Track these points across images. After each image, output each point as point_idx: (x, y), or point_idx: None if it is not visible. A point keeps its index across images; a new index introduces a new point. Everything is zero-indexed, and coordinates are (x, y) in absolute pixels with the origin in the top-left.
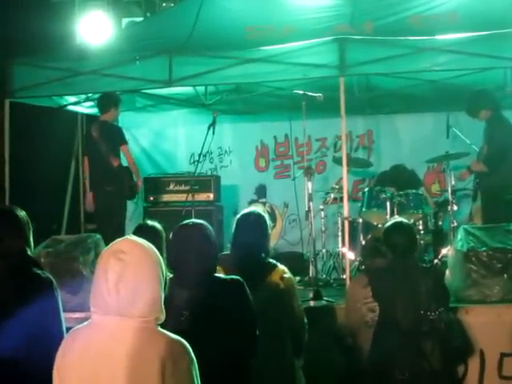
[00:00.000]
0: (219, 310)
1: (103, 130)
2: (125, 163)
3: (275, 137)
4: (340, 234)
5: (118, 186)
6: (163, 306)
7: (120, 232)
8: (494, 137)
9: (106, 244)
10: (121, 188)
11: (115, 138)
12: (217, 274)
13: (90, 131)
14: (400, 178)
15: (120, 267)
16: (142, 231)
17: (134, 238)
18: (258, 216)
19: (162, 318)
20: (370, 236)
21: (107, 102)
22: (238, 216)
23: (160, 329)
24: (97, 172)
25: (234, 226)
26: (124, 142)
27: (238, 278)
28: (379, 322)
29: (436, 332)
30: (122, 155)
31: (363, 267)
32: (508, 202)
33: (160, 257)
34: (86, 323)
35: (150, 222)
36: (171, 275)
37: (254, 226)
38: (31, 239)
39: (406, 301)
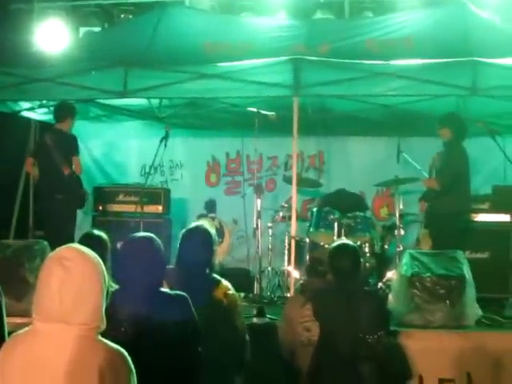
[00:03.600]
0: (162, 324)
1: (58, 139)
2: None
3: (227, 153)
4: (286, 252)
5: (68, 194)
6: (104, 316)
7: (68, 240)
8: (451, 160)
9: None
10: (71, 196)
11: (69, 147)
12: (162, 289)
13: (44, 138)
14: (343, 201)
15: (63, 274)
16: (88, 240)
17: (78, 246)
18: (204, 231)
19: (103, 327)
20: (309, 256)
21: (64, 111)
22: (184, 230)
23: (100, 338)
24: (47, 179)
25: (179, 239)
26: (77, 153)
27: (183, 293)
28: (318, 343)
29: (375, 356)
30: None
31: (300, 287)
32: (459, 230)
33: (103, 266)
34: (27, 329)
35: (95, 232)
36: (115, 286)
37: (199, 240)
38: None
39: (346, 323)
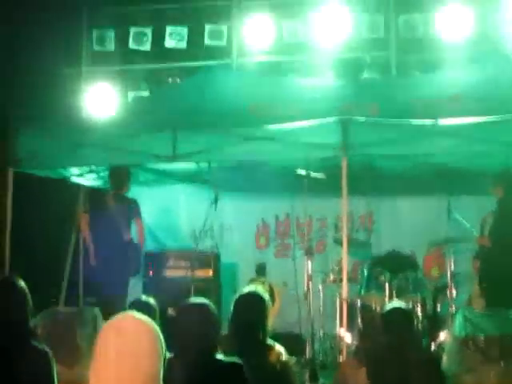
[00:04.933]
0: None
1: (120, 201)
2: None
3: (276, 215)
4: (338, 315)
5: (125, 260)
6: None
7: (121, 307)
8: (504, 218)
9: (106, 318)
10: (128, 262)
11: (131, 210)
12: (217, 356)
13: (103, 200)
14: (394, 262)
15: (120, 343)
16: (137, 306)
17: (135, 313)
18: (258, 296)
19: None
20: (361, 318)
21: (122, 176)
22: (238, 295)
23: None
24: (104, 242)
25: (233, 304)
26: (139, 215)
27: (238, 361)
28: None
29: None
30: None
31: (355, 350)
32: (510, 287)
33: (160, 333)
34: None
35: (144, 297)
36: (170, 354)
37: (253, 306)
38: (29, 310)
39: None
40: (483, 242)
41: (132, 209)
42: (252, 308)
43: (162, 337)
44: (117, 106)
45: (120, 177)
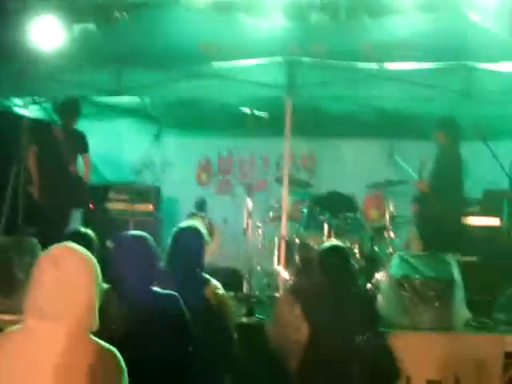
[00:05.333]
0: (153, 323)
1: (68, 134)
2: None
3: (219, 152)
4: (276, 252)
5: (69, 192)
6: (97, 315)
7: (61, 238)
8: (445, 164)
9: (45, 248)
10: (72, 195)
11: (78, 144)
12: (153, 288)
13: (52, 132)
14: (334, 203)
15: (56, 273)
16: (74, 237)
17: (72, 244)
18: (196, 230)
19: (95, 326)
20: (299, 256)
21: (72, 107)
22: (175, 229)
23: (92, 337)
24: (49, 174)
25: (170, 238)
26: (87, 150)
27: (175, 293)
28: (307, 343)
29: (363, 357)
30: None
31: (291, 287)
32: (449, 233)
33: (97, 264)
34: (19, 326)
35: (82, 229)
36: (106, 286)
37: (191, 239)
38: None
39: (335, 324)
40: (421, 187)
41: (80, 142)
42: (189, 242)
43: (98, 268)
44: (62, 39)
45: (70, 108)
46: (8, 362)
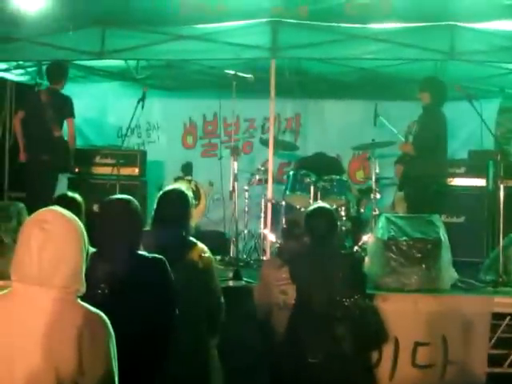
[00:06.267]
0: (139, 286)
1: (53, 99)
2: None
3: (204, 115)
4: (263, 215)
5: (54, 156)
6: (84, 279)
7: (48, 203)
8: (429, 124)
9: (32, 213)
10: (57, 159)
11: (64, 109)
12: (139, 251)
13: (39, 96)
14: (320, 164)
15: (43, 237)
16: (62, 202)
17: (59, 208)
18: (181, 193)
19: (83, 290)
20: (285, 219)
21: (59, 71)
22: (161, 192)
23: (79, 301)
24: (35, 138)
25: (156, 201)
26: (73, 115)
27: (160, 256)
28: (295, 306)
29: (350, 318)
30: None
31: (277, 249)
32: (434, 194)
33: (83, 229)
34: (5, 291)
35: (70, 193)
36: (93, 249)
37: (175, 203)
38: None
39: (322, 286)
40: (407, 149)
41: (66, 107)
42: (175, 204)
43: (84, 232)
44: (44, 1)
45: (58, 72)
46: None
